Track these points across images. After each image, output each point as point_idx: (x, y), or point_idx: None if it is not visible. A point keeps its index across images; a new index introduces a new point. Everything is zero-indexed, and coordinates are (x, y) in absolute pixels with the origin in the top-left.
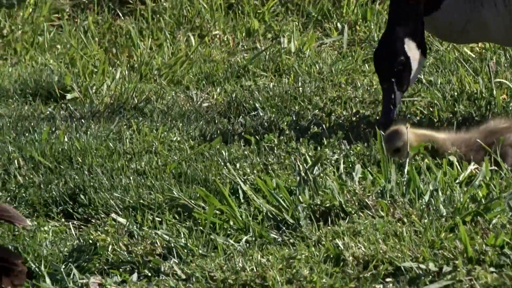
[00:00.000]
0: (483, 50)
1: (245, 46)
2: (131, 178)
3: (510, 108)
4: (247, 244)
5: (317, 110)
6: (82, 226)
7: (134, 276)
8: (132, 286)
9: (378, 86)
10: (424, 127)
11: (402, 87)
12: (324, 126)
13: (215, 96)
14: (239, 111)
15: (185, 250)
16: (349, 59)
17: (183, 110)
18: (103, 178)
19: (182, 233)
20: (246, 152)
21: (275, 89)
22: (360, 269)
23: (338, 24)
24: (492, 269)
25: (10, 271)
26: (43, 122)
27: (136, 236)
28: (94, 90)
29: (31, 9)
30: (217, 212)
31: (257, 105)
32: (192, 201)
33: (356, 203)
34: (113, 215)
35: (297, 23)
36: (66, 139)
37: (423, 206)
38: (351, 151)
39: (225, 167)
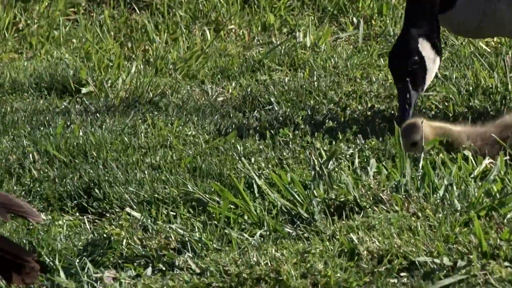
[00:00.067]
0: (499, 45)
1: (260, 41)
2: (146, 172)
3: None
4: (262, 238)
5: (332, 105)
6: (97, 220)
7: (149, 270)
8: (146, 280)
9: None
10: (440, 121)
11: (417, 86)
12: (339, 120)
13: (230, 90)
14: (254, 106)
15: (200, 244)
16: (364, 54)
17: (198, 104)
18: (118, 172)
19: (196, 227)
20: (261, 147)
21: (290, 84)
22: (375, 264)
23: (354, 19)
24: (506, 263)
25: (22, 268)
26: (58, 116)
27: (150, 230)
28: (109, 84)
29: (47, 3)
30: (231, 206)
31: (272, 99)
32: (207, 195)
33: (371, 198)
34: (128, 209)
35: (312, 18)
36: (81, 133)
37: (438, 200)
38: (366, 146)
39: (240, 162)
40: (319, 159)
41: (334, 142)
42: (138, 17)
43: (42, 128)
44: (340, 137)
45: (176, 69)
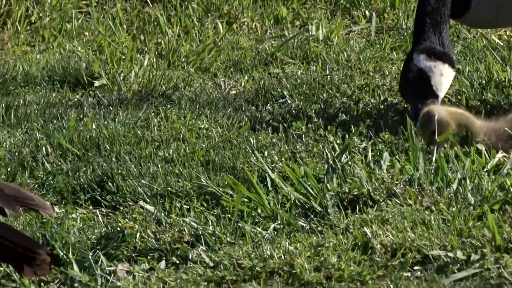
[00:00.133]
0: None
1: (273, 34)
2: (159, 165)
3: None
4: (275, 232)
5: (345, 98)
6: (110, 214)
7: (162, 264)
8: (160, 274)
9: None
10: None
11: (426, 95)
12: (352, 114)
13: (243, 84)
14: (267, 99)
15: (213, 238)
16: (377, 47)
17: (211, 97)
18: (131, 166)
19: (210, 221)
20: (274, 140)
21: (303, 77)
22: (388, 257)
23: (366, 12)
24: None
25: (33, 260)
26: (71, 109)
27: (164, 224)
28: (122, 77)
29: None
30: (245, 199)
31: (285, 92)
32: (220, 189)
33: (384, 191)
34: (141, 202)
35: (325, 11)
36: (94, 126)
37: (451, 194)
38: (379, 139)
39: (253, 155)
40: (332, 152)
41: (347, 136)
42: (150, 10)
43: (55, 121)
44: (353, 131)
45: (189, 62)
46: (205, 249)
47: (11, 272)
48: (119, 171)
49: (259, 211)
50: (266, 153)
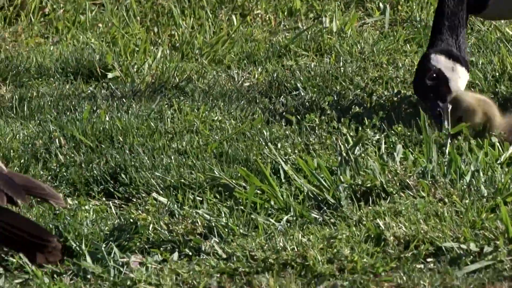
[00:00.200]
0: None
1: (286, 26)
2: (172, 157)
3: None
4: (288, 224)
5: (358, 90)
6: (123, 205)
7: (175, 255)
8: (173, 265)
9: None
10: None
11: (444, 97)
12: (365, 106)
13: (256, 76)
14: (280, 91)
15: (226, 230)
16: (390, 39)
17: (224, 89)
18: (144, 158)
19: (223, 213)
20: (287, 132)
21: (316, 69)
22: (401, 249)
23: (380, 4)
24: None
25: (44, 248)
26: (84, 101)
27: (177, 216)
28: (135, 69)
29: None
30: (258, 191)
31: (298, 84)
32: (233, 181)
33: (397, 183)
34: (154, 194)
35: (339, 3)
36: (107, 118)
37: (464, 186)
38: (393, 131)
39: (266, 147)
40: (346, 144)
41: (360, 128)
42: (164, 2)
43: (68, 113)
44: (367, 123)
45: (202, 54)
46: (218, 241)
47: (24, 263)
48: (132, 163)
49: (272, 203)
50: (279, 145)
